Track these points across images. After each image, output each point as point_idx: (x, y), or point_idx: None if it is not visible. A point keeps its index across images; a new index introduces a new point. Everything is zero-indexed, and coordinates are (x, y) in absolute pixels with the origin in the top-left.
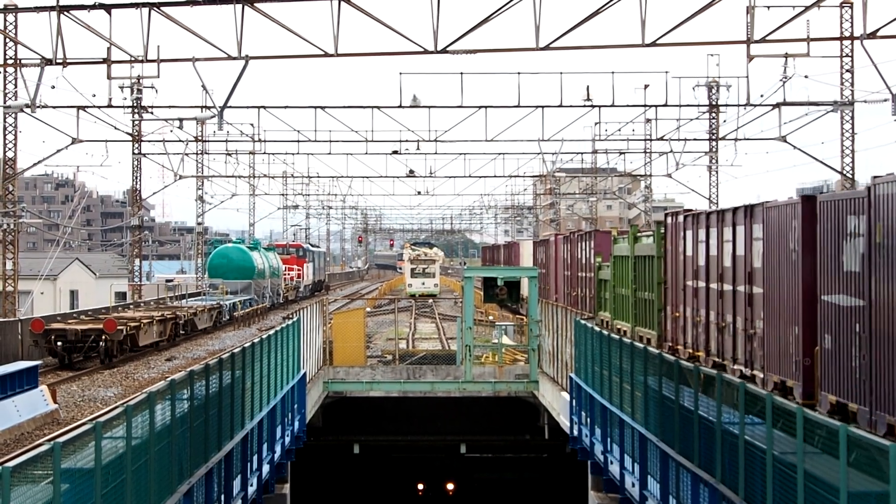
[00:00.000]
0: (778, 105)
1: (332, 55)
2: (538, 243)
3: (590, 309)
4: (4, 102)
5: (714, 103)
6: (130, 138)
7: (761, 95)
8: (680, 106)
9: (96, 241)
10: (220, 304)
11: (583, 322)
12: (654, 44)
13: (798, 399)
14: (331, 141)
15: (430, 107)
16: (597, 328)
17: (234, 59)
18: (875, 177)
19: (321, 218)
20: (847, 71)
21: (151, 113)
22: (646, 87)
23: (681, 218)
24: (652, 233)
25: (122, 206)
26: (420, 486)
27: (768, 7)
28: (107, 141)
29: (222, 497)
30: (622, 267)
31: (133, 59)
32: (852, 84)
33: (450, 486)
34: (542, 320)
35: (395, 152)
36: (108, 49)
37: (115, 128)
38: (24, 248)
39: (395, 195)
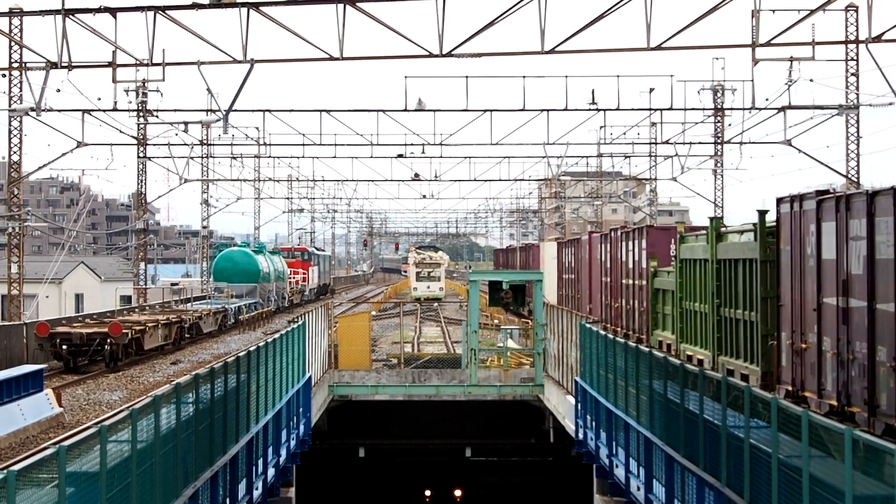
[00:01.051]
0: (783, 109)
1: (337, 59)
2: (565, 244)
3: (639, 326)
4: (10, 106)
5: (719, 107)
6: (136, 142)
7: (766, 99)
8: (685, 109)
9: (101, 244)
10: (226, 308)
11: (588, 325)
12: (659, 47)
13: None
14: (336, 144)
15: (435, 110)
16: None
17: (240, 62)
18: None
19: (326, 221)
20: (852, 74)
21: (157, 116)
22: (651, 90)
23: (811, 203)
24: (752, 227)
25: (128, 210)
26: (427, 493)
27: (773, 11)
28: (112, 144)
29: (227, 500)
30: (695, 274)
31: (138, 62)
32: (857, 87)
33: (457, 493)
34: (547, 324)
35: (400, 156)
36: (114, 52)
37: (121, 131)
38: (30, 251)
39: (401, 199)
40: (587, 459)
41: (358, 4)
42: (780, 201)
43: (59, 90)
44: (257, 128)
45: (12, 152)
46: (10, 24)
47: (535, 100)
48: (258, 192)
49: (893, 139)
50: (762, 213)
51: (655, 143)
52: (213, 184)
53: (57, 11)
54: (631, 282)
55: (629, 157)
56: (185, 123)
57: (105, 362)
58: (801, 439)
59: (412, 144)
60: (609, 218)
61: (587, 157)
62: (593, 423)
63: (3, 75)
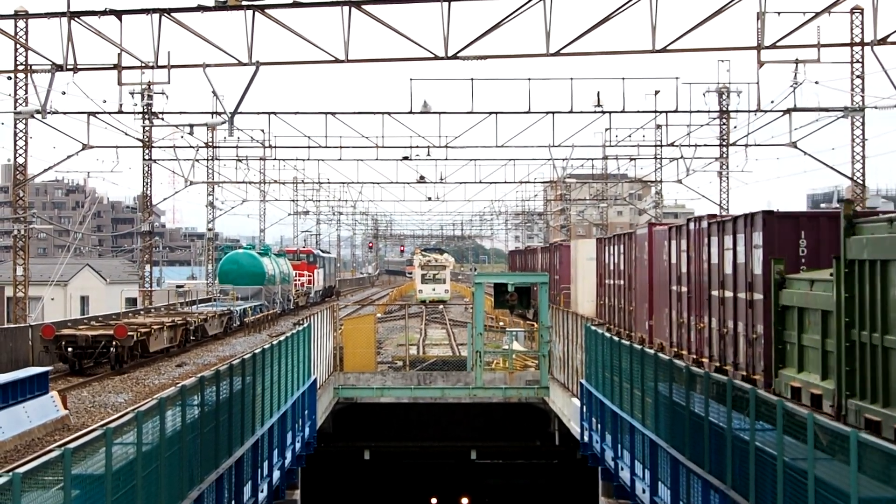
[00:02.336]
0: (788, 111)
1: (342, 61)
2: (610, 241)
3: (749, 360)
4: (15, 108)
5: (725, 109)
6: (141, 144)
7: (772, 101)
8: (690, 112)
9: (107, 246)
10: (231, 310)
11: (593, 328)
12: (664, 50)
13: None
14: (341, 147)
15: (440, 113)
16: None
17: (245, 65)
18: None
19: (332, 224)
20: (857, 77)
21: (162, 119)
22: (656, 92)
23: None
24: None
25: (133, 212)
26: (434, 501)
27: (779, 13)
28: (117, 147)
29: (233, 503)
30: (884, 284)
31: (144, 64)
32: (863, 90)
33: (464, 501)
34: (552, 326)
35: (405, 158)
36: (119, 55)
37: (126, 134)
38: (35, 253)
39: (406, 201)
40: (592, 462)
41: (363, 7)
42: None
43: (64, 93)
44: (263, 130)
45: (18, 154)
46: (16, 26)
47: (541, 102)
48: (263, 195)
49: None
50: None
51: (661, 146)
52: (219, 186)
53: (62, 14)
54: (731, 294)
55: (634, 159)
56: (191, 126)
57: (110, 364)
58: (807, 442)
59: (417, 147)
60: (614, 220)
61: (592, 159)
62: (599, 426)
63: (9, 78)
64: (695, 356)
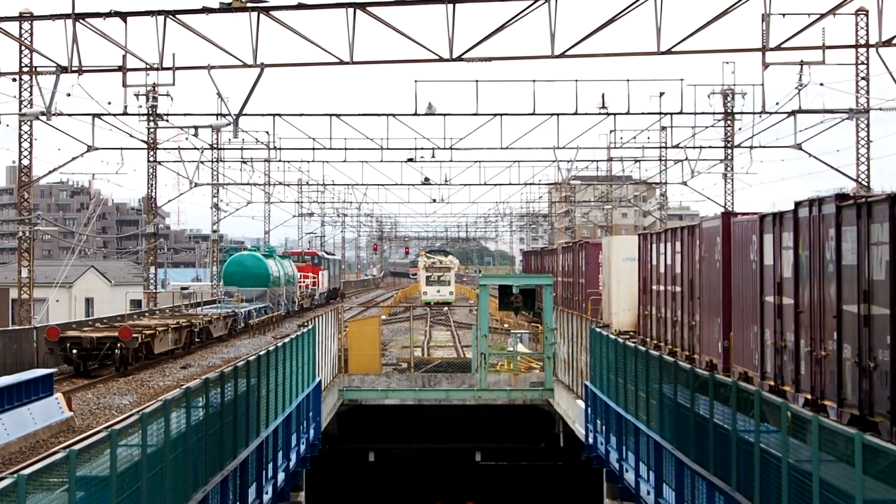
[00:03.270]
0: (793, 113)
1: (347, 63)
2: (657, 237)
3: None
4: (20, 110)
5: (729, 111)
6: (146, 146)
7: (777, 103)
8: (695, 114)
9: (112, 248)
10: (236, 312)
11: (598, 330)
12: (669, 51)
13: None
14: (346, 149)
15: (445, 114)
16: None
17: (250, 66)
18: None
19: (336, 226)
20: (862, 79)
21: (167, 121)
22: (661, 94)
23: None
24: None
25: (138, 214)
26: None
27: (784, 15)
28: (122, 149)
29: None
30: None
31: (148, 66)
32: (867, 91)
33: None
34: (557, 328)
35: (410, 160)
36: (124, 57)
37: (131, 135)
38: (40, 255)
39: (411, 203)
40: (597, 464)
41: (368, 9)
42: None
43: (69, 94)
44: (267, 132)
45: (23, 156)
46: (21, 28)
47: (545, 104)
48: (268, 196)
49: None
50: None
51: (665, 147)
52: (224, 188)
53: (67, 16)
54: (887, 311)
55: (639, 160)
56: (196, 127)
57: (115, 366)
58: (812, 444)
59: (422, 148)
60: (619, 222)
61: (597, 160)
62: (603, 428)
63: (14, 79)
64: (808, 395)
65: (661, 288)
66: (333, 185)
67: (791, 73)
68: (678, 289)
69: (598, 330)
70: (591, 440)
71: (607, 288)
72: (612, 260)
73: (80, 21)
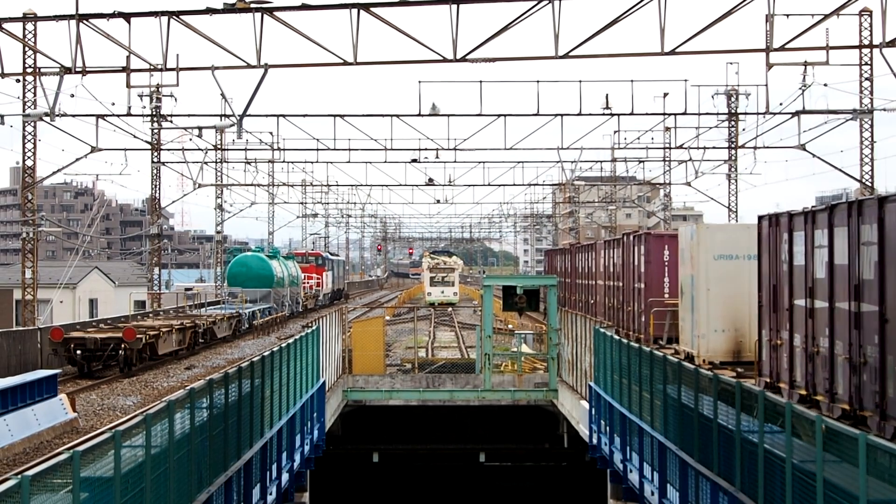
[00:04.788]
0: (797, 113)
1: (351, 63)
2: (809, 217)
3: None
4: (24, 111)
5: (733, 111)
6: (150, 147)
7: (780, 104)
8: (699, 114)
9: (115, 249)
10: (240, 313)
11: (602, 330)
12: (673, 52)
13: None
14: (350, 149)
15: (449, 115)
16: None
17: (254, 67)
18: None
19: (340, 226)
20: (866, 79)
21: (170, 121)
22: (665, 95)
23: None
24: None
25: (142, 215)
26: None
27: (787, 15)
28: (126, 150)
29: None
30: None
31: (152, 67)
32: (871, 92)
33: None
34: (561, 329)
35: (414, 161)
36: (128, 58)
37: (135, 136)
38: (44, 256)
39: (415, 203)
40: (601, 464)
41: (372, 9)
42: None
43: (73, 95)
44: (271, 133)
45: (26, 157)
46: (24, 29)
47: (549, 104)
48: (272, 197)
49: None
50: None
51: (669, 148)
52: (227, 189)
53: (71, 16)
54: None
55: (643, 161)
56: (199, 128)
57: (119, 367)
58: (816, 444)
59: (426, 149)
60: (623, 223)
61: (601, 161)
62: (607, 428)
63: (18, 80)
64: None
65: (819, 304)
66: (337, 185)
67: (795, 74)
68: (872, 308)
69: (602, 330)
70: (595, 441)
71: (688, 298)
72: (697, 257)
73: (84, 22)
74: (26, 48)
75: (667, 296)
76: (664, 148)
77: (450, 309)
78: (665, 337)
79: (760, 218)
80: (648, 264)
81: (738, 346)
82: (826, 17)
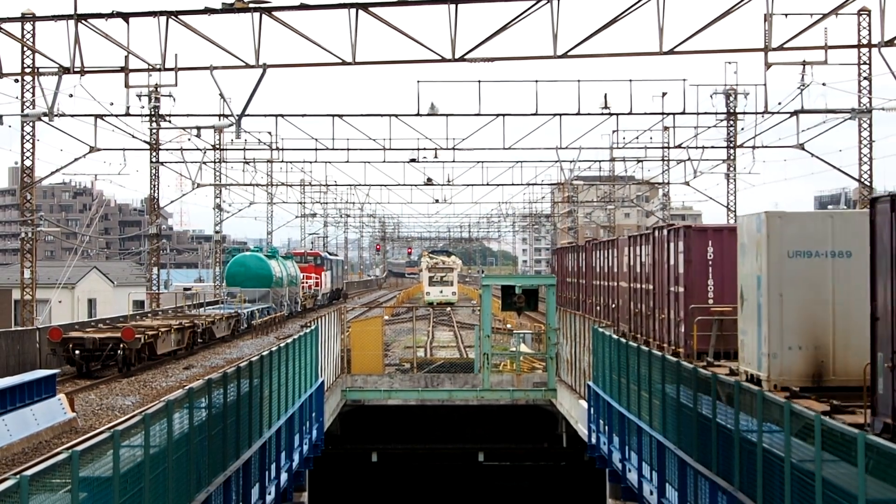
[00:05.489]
0: (795, 113)
1: (349, 63)
2: None
3: None
4: (22, 111)
5: (732, 111)
6: (148, 147)
7: (779, 103)
8: (698, 114)
9: (114, 249)
10: (238, 313)
11: (600, 330)
12: (671, 51)
13: None
14: (349, 149)
15: (447, 115)
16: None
17: (252, 67)
18: None
19: (339, 226)
20: (865, 79)
21: (169, 121)
22: (663, 94)
23: None
24: None
25: (140, 215)
26: None
27: (786, 15)
28: (125, 149)
29: None
30: None
31: (151, 67)
32: (870, 91)
33: None
34: (559, 328)
35: (412, 160)
36: (126, 57)
37: (133, 136)
38: (43, 256)
39: (413, 203)
40: (600, 464)
41: (370, 9)
42: None
43: (71, 95)
44: (270, 132)
45: (25, 157)
46: (23, 29)
47: (548, 104)
48: (271, 197)
49: None
50: None
51: (668, 147)
52: (226, 188)
53: (69, 16)
54: None
55: (642, 161)
56: (198, 128)
57: (118, 367)
58: (815, 444)
59: (425, 149)
60: (622, 222)
61: (600, 161)
62: (606, 428)
63: (16, 80)
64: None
65: None
66: (336, 185)
67: (793, 73)
68: None
69: (600, 330)
70: (593, 440)
71: (751, 305)
72: (767, 254)
73: (83, 22)
74: (25, 48)
75: (711, 301)
76: (663, 147)
77: (448, 308)
78: (710, 351)
79: (874, 200)
80: (689, 263)
81: (818, 367)
82: (825, 16)
